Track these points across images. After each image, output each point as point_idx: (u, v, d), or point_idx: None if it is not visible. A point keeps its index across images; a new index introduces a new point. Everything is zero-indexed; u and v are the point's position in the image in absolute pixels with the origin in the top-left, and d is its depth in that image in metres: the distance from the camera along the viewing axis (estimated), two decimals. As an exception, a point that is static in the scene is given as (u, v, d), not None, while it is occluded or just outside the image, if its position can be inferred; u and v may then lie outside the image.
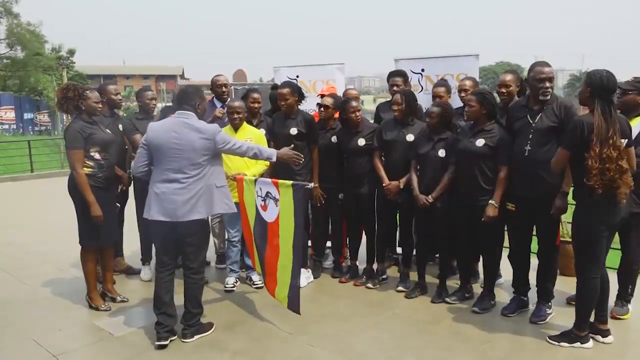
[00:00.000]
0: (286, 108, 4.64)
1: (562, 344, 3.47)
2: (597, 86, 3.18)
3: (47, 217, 8.01)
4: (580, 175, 3.26)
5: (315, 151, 4.70)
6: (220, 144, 3.57)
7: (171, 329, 3.65)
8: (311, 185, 3.87)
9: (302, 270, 4.53)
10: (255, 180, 4.13)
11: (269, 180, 4.04)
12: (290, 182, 3.86)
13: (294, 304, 3.87)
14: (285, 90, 4.63)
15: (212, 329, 3.82)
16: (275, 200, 3.92)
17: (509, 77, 4.23)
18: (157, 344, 3.59)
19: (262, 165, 4.57)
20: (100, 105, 4.30)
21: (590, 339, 3.46)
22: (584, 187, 3.22)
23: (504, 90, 4.21)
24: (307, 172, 4.68)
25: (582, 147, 3.19)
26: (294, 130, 4.58)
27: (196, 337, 3.70)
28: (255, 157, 3.89)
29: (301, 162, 4.15)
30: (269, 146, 4.54)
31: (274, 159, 3.91)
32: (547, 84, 3.63)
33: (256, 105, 4.96)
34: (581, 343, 3.44)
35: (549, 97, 3.65)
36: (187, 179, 3.50)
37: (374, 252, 4.83)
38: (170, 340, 3.63)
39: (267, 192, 3.99)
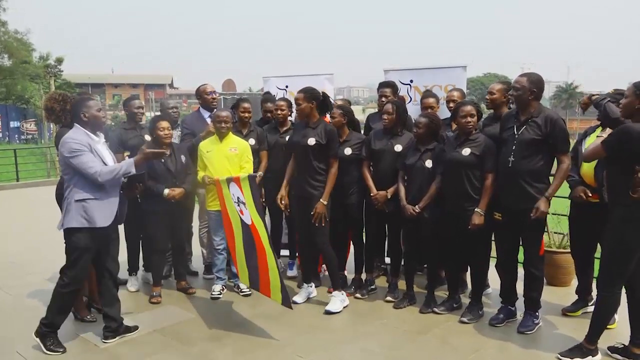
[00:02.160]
0: (299, 114, 4.39)
1: None
2: None
3: (32, 227, 7.92)
4: (625, 188, 3.14)
5: (334, 165, 4.32)
6: (66, 154, 3.49)
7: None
8: (259, 174, 4.09)
9: (337, 293, 4.44)
10: (228, 183, 4.23)
11: (233, 181, 4.15)
12: (246, 174, 4.11)
13: (286, 299, 3.94)
14: (299, 95, 4.32)
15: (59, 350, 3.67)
16: (244, 203, 4.04)
17: (497, 87, 4.28)
18: None
19: (246, 173, 4.57)
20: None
21: (599, 352, 3.44)
22: (630, 200, 3.12)
23: (488, 97, 4.30)
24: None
25: (631, 158, 3.09)
26: (311, 141, 4.27)
27: (38, 341, 3.67)
28: (112, 178, 3.55)
29: (166, 154, 3.99)
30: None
31: (134, 170, 3.62)
32: (511, 91, 3.84)
33: (247, 114, 4.97)
34: (592, 356, 3.41)
35: (513, 104, 3.92)
36: (65, 188, 3.62)
37: (362, 262, 4.83)
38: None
39: (238, 197, 4.11)
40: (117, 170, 3.56)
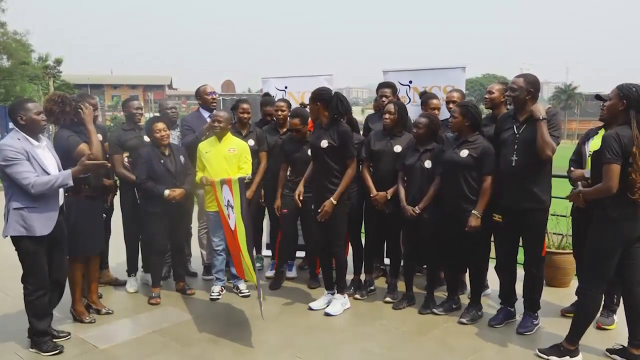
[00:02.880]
0: (311, 116, 4.44)
1: (550, 357, 3.45)
2: (634, 99, 3.14)
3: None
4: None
5: (351, 166, 4.19)
6: (1, 162, 3.40)
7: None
8: (248, 177, 4.16)
9: (339, 295, 4.41)
10: (221, 185, 4.23)
11: (226, 183, 4.16)
12: (237, 177, 4.11)
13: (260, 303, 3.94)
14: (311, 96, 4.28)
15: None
16: (232, 207, 4.05)
17: (496, 87, 4.31)
18: None
19: (243, 174, 4.56)
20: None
21: (580, 353, 3.45)
22: (619, 201, 3.13)
23: (487, 96, 4.32)
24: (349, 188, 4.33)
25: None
26: (324, 143, 4.17)
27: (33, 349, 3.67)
28: (46, 189, 3.46)
29: (107, 166, 3.77)
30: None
31: (70, 182, 3.52)
32: (509, 92, 3.83)
33: (245, 115, 4.96)
34: (570, 357, 3.43)
35: (511, 105, 3.91)
36: (5, 196, 3.54)
37: (361, 262, 4.82)
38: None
39: (228, 200, 4.11)
40: (52, 182, 3.46)
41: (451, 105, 4.55)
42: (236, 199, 4.05)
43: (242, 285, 4.77)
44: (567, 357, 3.43)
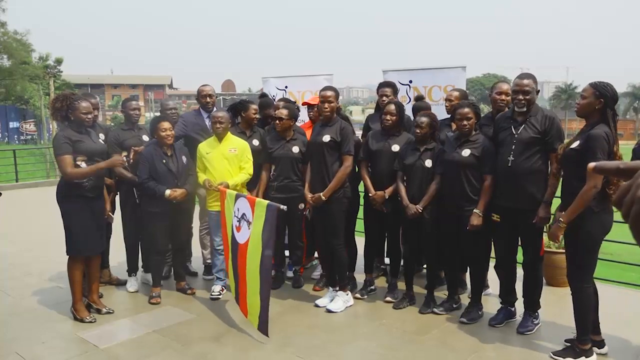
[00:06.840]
0: (329, 113, 4.30)
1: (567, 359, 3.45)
2: (611, 98, 3.21)
3: (31, 228, 7.91)
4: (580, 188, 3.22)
5: (345, 161, 4.26)
6: None
7: None
8: (284, 207, 3.77)
9: (341, 293, 4.42)
10: (236, 197, 4.11)
11: (246, 199, 4.03)
12: (267, 202, 3.87)
13: (263, 326, 3.82)
14: (329, 93, 4.28)
15: None
16: (249, 223, 3.93)
17: (505, 87, 4.27)
18: None
19: (245, 175, 4.57)
20: (90, 116, 4.22)
21: (594, 352, 3.45)
22: (600, 197, 3.20)
23: (503, 97, 4.20)
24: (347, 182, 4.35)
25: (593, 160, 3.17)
26: (326, 138, 4.26)
27: None
28: None
29: None
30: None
31: None
32: (521, 96, 3.68)
33: (257, 116, 5.01)
34: (586, 357, 3.42)
35: (524, 108, 3.69)
36: None
37: (354, 262, 4.83)
38: None
39: (243, 214, 4.00)
40: None
41: (447, 104, 4.55)
42: (257, 222, 3.81)
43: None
44: (583, 357, 3.42)
